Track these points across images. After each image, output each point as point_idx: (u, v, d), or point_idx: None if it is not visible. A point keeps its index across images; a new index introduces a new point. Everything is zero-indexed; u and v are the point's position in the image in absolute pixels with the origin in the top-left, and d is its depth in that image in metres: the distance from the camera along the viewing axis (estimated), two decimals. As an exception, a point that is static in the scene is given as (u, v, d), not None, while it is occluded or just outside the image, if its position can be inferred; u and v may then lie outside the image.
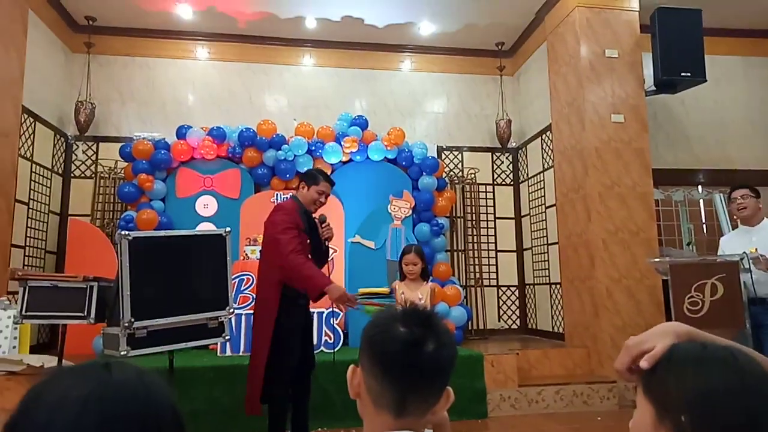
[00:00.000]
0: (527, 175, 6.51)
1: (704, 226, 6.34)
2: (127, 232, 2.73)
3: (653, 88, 5.31)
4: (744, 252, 3.60)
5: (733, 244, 3.94)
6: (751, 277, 3.59)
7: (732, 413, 0.68)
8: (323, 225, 3.38)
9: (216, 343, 3.05)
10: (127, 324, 2.70)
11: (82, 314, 2.89)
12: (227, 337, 3.03)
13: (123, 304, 2.69)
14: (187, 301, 2.83)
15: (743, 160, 6.15)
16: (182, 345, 2.90)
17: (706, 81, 5.13)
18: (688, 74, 5.08)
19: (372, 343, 0.94)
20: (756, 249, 3.63)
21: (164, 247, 2.78)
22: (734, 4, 5.73)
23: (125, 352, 2.71)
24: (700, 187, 6.30)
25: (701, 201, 6.35)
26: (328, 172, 5.77)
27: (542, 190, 6.10)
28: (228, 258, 3.00)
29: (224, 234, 2.99)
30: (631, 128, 5.20)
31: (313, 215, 3.34)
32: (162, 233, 2.91)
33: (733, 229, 4.13)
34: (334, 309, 3.24)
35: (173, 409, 0.64)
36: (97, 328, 3.34)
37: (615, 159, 5.14)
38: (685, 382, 0.72)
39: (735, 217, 4.09)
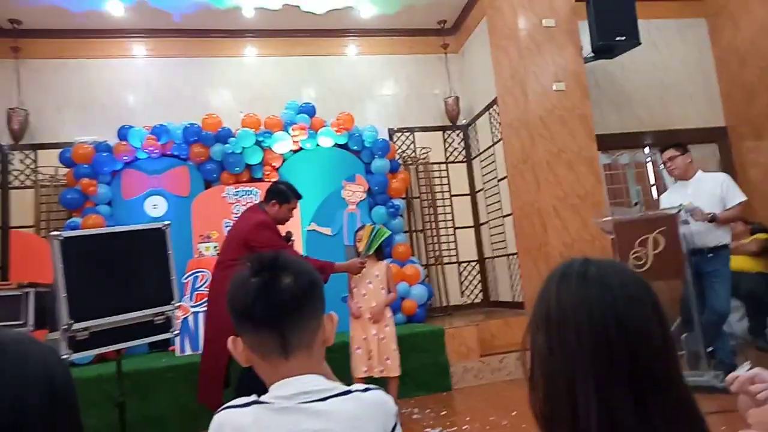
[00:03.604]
0: (478, 150, 6.57)
1: (653, 186, 6.52)
2: (58, 233, 2.64)
3: (591, 54, 5.41)
4: (680, 204, 3.73)
5: (671, 198, 4.08)
6: (690, 229, 3.73)
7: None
8: (289, 243, 3.46)
9: (165, 339, 2.98)
10: (66, 327, 2.62)
11: (20, 322, 2.79)
12: (176, 332, 2.97)
13: (60, 307, 2.61)
14: (129, 298, 2.75)
15: (685, 120, 6.33)
16: (128, 344, 2.83)
17: (640, 43, 5.24)
18: (623, 38, 5.19)
19: (233, 307, 0.95)
20: (691, 201, 3.76)
21: (99, 245, 2.69)
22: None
23: (67, 356, 2.63)
24: (646, 149, 6.48)
25: (647, 163, 6.53)
26: (278, 163, 5.75)
27: (494, 163, 6.17)
28: (169, 252, 2.94)
29: (163, 227, 2.92)
30: (574, 95, 5.28)
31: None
32: (95, 231, 2.82)
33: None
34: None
35: (49, 381, 0.61)
36: (39, 335, 3.23)
37: (560, 127, 5.22)
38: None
39: (671, 175, 4.23)
